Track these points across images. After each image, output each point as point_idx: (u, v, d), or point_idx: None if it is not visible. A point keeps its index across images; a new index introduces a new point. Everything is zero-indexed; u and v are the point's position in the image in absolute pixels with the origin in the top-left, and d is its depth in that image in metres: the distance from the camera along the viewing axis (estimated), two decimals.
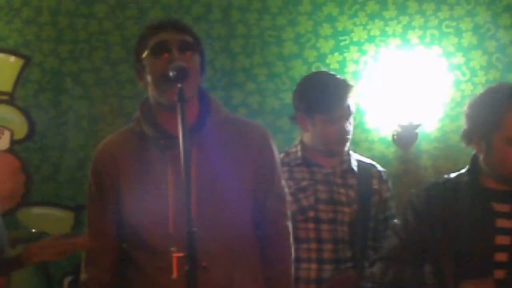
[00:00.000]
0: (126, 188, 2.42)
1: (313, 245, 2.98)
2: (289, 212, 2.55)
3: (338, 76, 3.17)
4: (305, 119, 3.05)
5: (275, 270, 2.48)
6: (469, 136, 2.62)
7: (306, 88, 3.09)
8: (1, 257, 2.49)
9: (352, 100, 3.08)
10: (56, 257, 2.69)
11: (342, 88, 3.06)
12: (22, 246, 3.52)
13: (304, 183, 3.01)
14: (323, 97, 3.03)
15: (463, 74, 4.07)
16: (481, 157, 2.61)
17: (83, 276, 2.50)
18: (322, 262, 2.98)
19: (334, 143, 3.08)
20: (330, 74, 3.24)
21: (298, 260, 2.87)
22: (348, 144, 3.11)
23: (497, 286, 2.50)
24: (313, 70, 3.87)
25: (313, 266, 2.97)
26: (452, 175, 2.73)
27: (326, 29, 4.17)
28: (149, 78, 2.35)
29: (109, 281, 2.47)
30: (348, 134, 3.12)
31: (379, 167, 3.18)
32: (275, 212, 2.49)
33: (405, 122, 4.03)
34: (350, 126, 3.10)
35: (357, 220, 3.05)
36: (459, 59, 4.09)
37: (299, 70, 3.98)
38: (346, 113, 3.06)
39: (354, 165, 3.10)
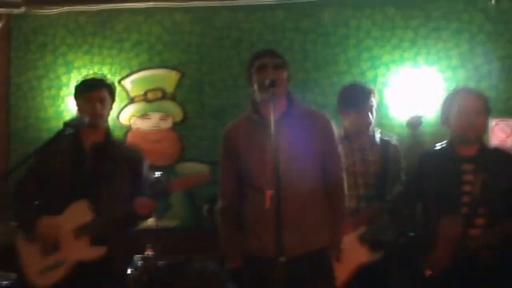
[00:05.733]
0: (242, 152, 2.76)
1: (353, 187, 3.42)
2: (343, 167, 2.89)
3: (362, 86, 3.57)
4: (340, 111, 3.58)
5: (335, 200, 2.82)
6: (442, 117, 3.09)
7: (339, 93, 3.63)
8: (154, 189, 2.88)
9: (371, 101, 3.45)
10: (185, 188, 3.02)
11: (357, 94, 3.45)
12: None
13: (346, 152, 3.25)
14: (345, 100, 3.56)
15: (452, 84, 4.82)
16: (449, 131, 3.00)
17: (219, 203, 2.90)
18: (359, 197, 3.47)
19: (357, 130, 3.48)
20: (357, 85, 3.62)
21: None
22: (370, 128, 3.48)
23: (463, 218, 2.86)
24: (356, 81, 4.27)
25: (354, 200, 3.42)
26: (438, 146, 3.11)
27: (365, 55, 5.03)
28: (255, 86, 2.76)
29: (232, 206, 2.87)
30: (365, 124, 3.45)
31: (394, 141, 3.61)
32: (334, 167, 2.83)
33: (414, 113, 4.72)
34: (367, 118, 3.43)
35: (379, 173, 3.51)
36: (449, 74, 4.91)
37: (348, 81, 4.41)
38: (367, 107, 3.43)
39: (378, 138, 3.57)
